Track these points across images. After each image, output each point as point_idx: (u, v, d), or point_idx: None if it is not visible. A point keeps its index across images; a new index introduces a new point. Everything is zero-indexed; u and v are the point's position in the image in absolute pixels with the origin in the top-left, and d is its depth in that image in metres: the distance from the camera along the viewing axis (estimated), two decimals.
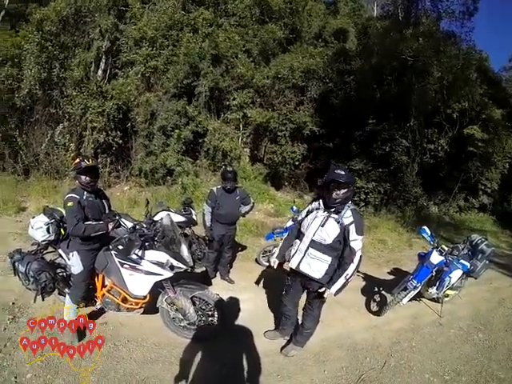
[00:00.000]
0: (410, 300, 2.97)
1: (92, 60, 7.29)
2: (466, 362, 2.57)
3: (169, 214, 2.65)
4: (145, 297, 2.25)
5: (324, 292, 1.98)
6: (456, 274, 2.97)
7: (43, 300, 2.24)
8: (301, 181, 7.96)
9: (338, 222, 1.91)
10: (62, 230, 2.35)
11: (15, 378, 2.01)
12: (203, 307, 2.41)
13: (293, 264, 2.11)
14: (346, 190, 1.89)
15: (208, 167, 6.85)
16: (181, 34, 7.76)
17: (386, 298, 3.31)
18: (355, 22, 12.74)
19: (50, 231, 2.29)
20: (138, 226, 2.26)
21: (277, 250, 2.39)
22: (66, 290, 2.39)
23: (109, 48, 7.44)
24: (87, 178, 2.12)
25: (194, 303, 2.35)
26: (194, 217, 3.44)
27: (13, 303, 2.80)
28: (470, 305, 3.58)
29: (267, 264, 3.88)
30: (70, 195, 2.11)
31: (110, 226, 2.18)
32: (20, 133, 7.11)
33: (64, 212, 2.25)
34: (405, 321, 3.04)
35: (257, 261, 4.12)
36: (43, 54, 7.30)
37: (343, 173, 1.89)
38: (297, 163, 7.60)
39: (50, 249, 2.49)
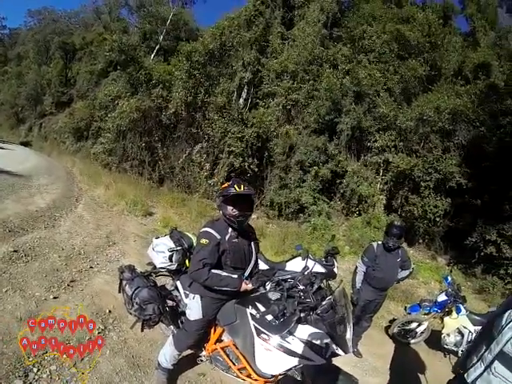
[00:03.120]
0: None
1: (234, 89, 8.21)
2: None
3: (343, 288, 2.11)
4: (273, 377, 1.78)
5: None
6: None
7: (142, 331, 1.97)
8: (437, 240, 6.99)
9: None
10: (186, 261, 2.05)
11: None
12: None
13: (468, 376, 1.52)
14: None
15: (341, 210, 6.62)
16: (321, 69, 8.12)
17: None
18: (498, 53, 11.46)
19: (173, 260, 2.00)
20: (294, 287, 1.77)
21: (463, 352, 1.81)
22: (172, 327, 2.07)
23: (251, 79, 8.29)
24: (234, 210, 1.69)
25: None
26: (336, 269, 3.10)
27: (109, 311, 2.65)
28: None
29: (402, 340, 3.46)
30: (207, 230, 1.70)
31: (245, 287, 1.71)
32: (162, 145, 8.34)
33: (195, 243, 1.91)
34: None
35: (388, 332, 3.62)
36: (190, 80, 8.61)
37: None
38: (437, 219, 6.74)
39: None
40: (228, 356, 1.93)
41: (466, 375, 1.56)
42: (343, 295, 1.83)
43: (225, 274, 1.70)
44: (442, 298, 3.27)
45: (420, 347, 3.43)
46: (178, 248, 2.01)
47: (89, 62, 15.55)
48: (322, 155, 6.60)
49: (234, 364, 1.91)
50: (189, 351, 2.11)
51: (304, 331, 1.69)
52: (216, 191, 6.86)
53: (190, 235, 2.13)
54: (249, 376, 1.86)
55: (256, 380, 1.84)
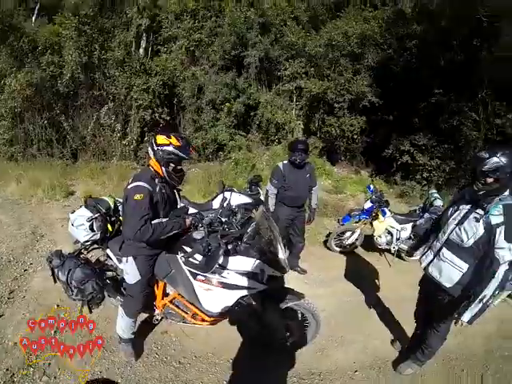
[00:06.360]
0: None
1: (132, 39, 7.46)
2: None
3: (263, 208, 2.23)
4: (225, 313, 1.86)
5: (457, 321, 1.69)
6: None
7: (91, 312, 2.00)
8: (357, 155, 7.72)
9: (482, 221, 1.57)
10: (109, 226, 2.01)
11: None
12: (295, 320, 2.06)
13: (422, 263, 1.91)
14: (492, 179, 1.50)
15: (260, 141, 6.80)
16: (223, 3, 7.74)
17: None
18: None
19: (95, 228, 1.94)
20: (213, 220, 1.84)
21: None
22: (119, 297, 2.11)
23: (148, 25, 7.57)
24: (178, 170, 1.79)
25: (284, 315, 1.99)
26: (262, 197, 3.21)
27: (57, 306, 2.61)
28: None
29: (339, 249, 3.79)
30: (139, 184, 1.62)
31: (189, 222, 1.77)
32: (66, 118, 7.48)
33: (122, 205, 1.84)
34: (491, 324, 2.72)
35: (326, 245, 3.93)
36: (82, 38, 7.60)
37: (486, 156, 1.49)
38: (355, 136, 7.34)
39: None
40: (178, 307, 1.97)
41: (420, 261, 1.92)
42: (265, 218, 1.87)
43: (164, 220, 1.72)
44: (368, 205, 3.57)
45: (358, 252, 3.81)
46: (97, 215, 1.97)
47: None
48: (233, 91, 6.55)
49: (186, 313, 1.96)
50: (143, 315, 2.17)
51: (237, 262, 1.71)
52: (133, 150, 6.52)
53: (105, 198, 2.11)
54: (203, 320, 1.91)
55: (211, 322, 1.91)
